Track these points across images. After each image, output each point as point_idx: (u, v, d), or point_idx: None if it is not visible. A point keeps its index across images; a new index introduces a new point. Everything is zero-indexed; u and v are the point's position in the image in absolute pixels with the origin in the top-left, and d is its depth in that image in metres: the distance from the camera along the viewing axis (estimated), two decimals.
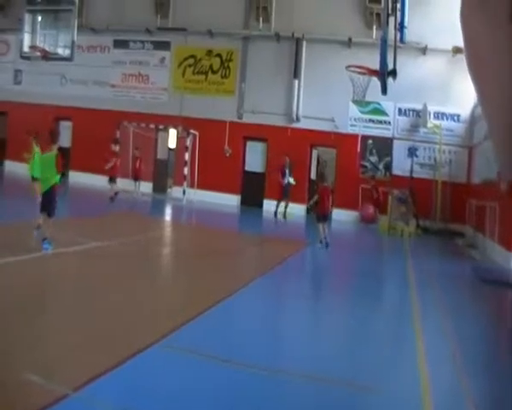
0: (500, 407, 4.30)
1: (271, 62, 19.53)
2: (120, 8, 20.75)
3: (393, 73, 10.35)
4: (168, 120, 19.37)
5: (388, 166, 18.64)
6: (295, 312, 6.65)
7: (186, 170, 18.73)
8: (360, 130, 18.76)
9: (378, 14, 17.35)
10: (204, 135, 19.15)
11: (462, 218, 17.23)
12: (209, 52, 20.35)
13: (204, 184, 19.20)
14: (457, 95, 17.19)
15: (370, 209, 17.42)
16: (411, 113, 18.40)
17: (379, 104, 18.22)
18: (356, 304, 7.43)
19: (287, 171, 17.19)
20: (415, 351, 5.25)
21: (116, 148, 16.92)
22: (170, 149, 21.14)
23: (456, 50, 16.23)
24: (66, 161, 11.53)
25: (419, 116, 17.97)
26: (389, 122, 18.58)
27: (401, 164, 18.37)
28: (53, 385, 3.47)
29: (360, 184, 18.31)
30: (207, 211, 17.68)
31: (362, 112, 18.66)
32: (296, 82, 19.10)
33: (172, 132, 20.35)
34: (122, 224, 12.67)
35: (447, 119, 18.07)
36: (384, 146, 18.60)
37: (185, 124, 19.15)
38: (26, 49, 15.59)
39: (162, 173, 20.93)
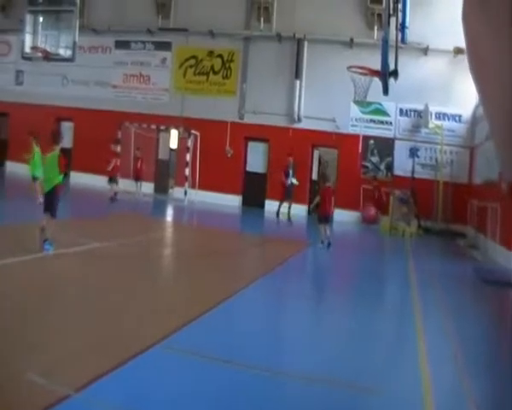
0: (502, 407, 4.30)
1: (273, 63, 19.53)
2: (122, 8, 20.78)
3: (395, 73, 10.35)
4: (169, 121, 19.39)
5: (390, 167, 18.63)
6: (297, 312, 6.64)
7: (187, 170, 18.72)
8: (361, 130, 18.76)
9: (379, 15, 17.35)
10: (205, 135, 19.15)
11: (464, 218, 17.20)
12: (210, 53, 20.36)
13: (205, 185, 19.21)
14: (459, 95, 17.18)
15: (372, 210, 17.39)
16: (413, 113, 18.39)
17: (380, 105, 18.21)
18: (357, 305, 7.42)
19: (290, 171, 16.99)
20: (416, 351, 5.24)
21: (116, 148, 16.94)
22: (171, 150, 21.15)
23: (458, 51, 16.21)
24: (67, 161, 11.53)
25: (420, 117, 17.96)
26: (390, 122, 18.57)
27: (402, 164, 18.36)
28: (54, 386, 3.47)
29: (362, 185, 18.30)
30: (209, 212, 17.68)
31: (363, 112, 18.66)
32: (297, 82, 19.11)
33: (174, 133, 20.37)
34: (123, 224, 12.67)
35: (449, 119, 18.06)
36: (385, 146, 18.59)
37: (186, 124, 19.17)
38: (27, 49, 15.64)
39: (163, 174, 20.94)
